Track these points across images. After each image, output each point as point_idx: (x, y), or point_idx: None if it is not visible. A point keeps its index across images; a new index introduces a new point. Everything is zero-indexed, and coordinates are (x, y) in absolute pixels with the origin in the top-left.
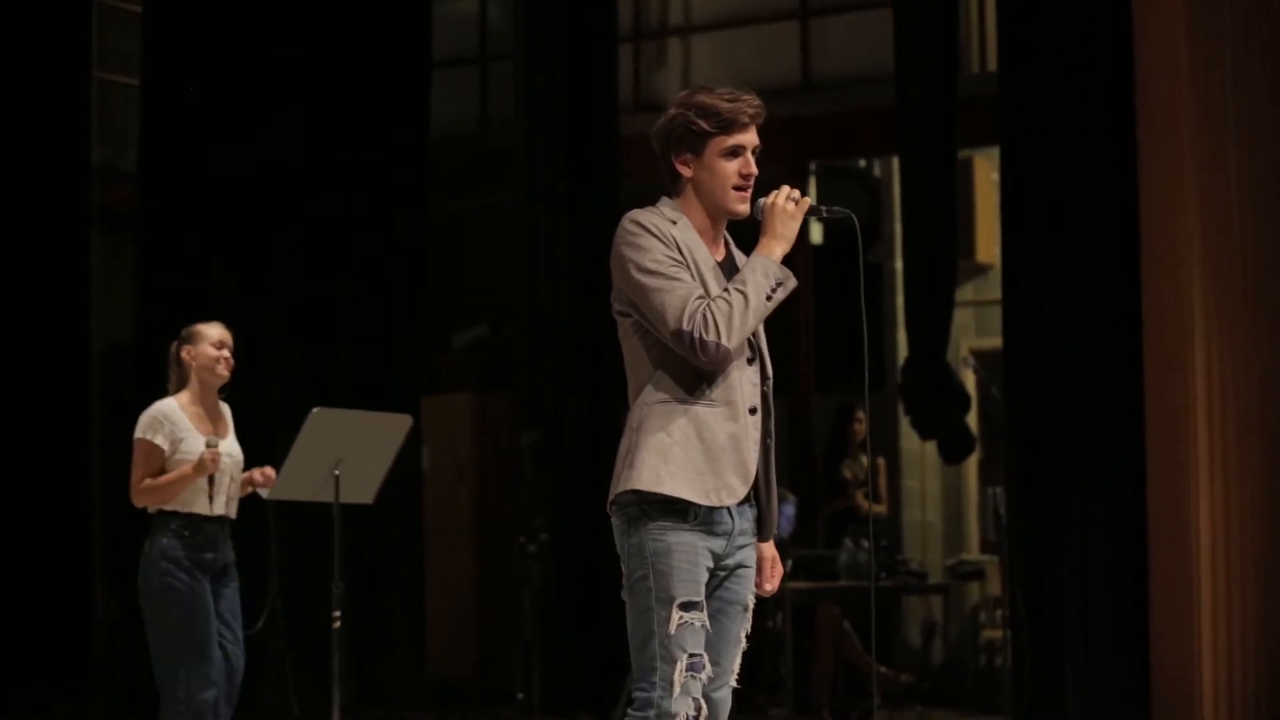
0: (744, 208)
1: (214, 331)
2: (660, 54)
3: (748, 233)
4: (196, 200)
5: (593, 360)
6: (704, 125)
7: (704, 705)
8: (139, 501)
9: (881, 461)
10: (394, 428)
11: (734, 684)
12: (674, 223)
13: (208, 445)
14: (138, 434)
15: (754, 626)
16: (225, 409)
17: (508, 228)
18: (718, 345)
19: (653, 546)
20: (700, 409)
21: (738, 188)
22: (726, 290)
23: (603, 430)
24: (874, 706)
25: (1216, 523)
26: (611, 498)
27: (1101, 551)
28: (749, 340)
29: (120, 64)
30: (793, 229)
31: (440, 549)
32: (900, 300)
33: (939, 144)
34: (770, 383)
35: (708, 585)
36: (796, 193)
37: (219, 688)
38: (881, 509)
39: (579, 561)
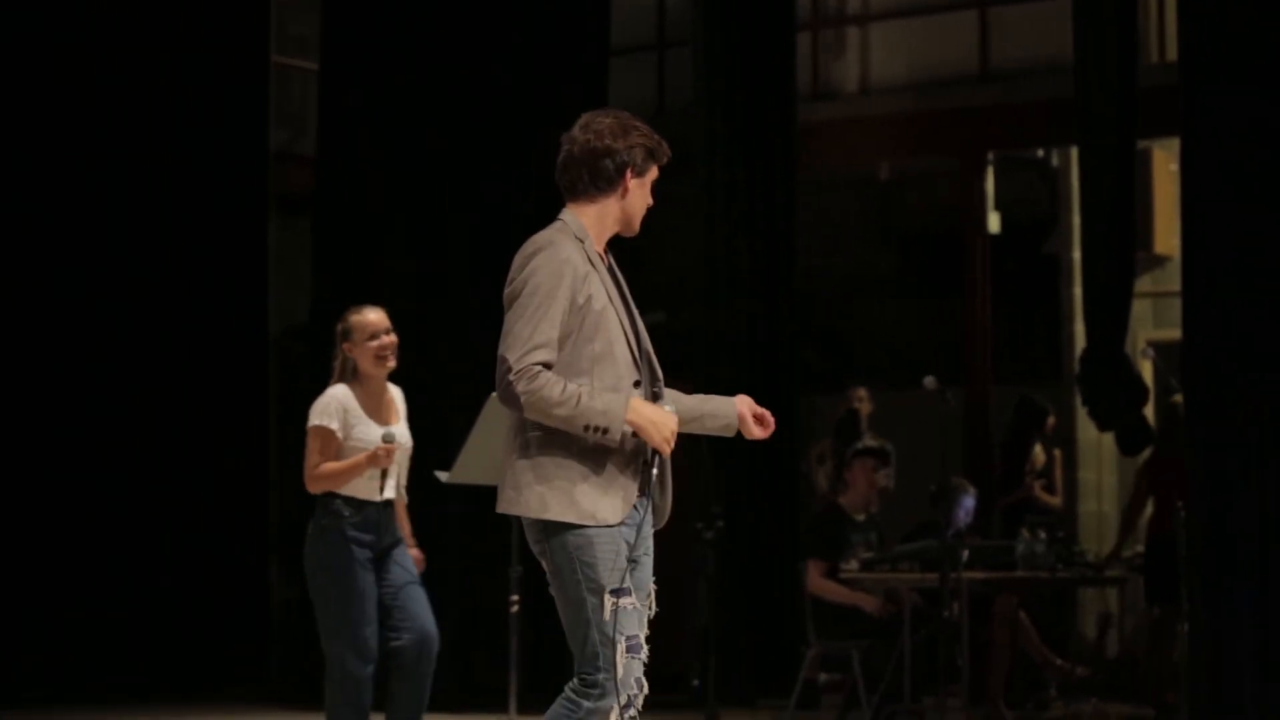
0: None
1: (367, 324)
2: (838, 43)
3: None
4: (373, 184)
5: (770, 347)
6: (657, 149)
7: (645, 685)
8: (313, 488)
9: (1058, 453)
10: None
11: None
12: (581, 241)
13: (384, 439)
14: (311, 421)
15: (930, 616)
16: (396, 393)
17: (685, 215)
18: (517, 402)
19: (575, 541)
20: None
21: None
22: (578, 387)
23: (781, 418)
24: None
25: None
26: (501, 510)
27: None
28: (636, 363)
29: (298, 49)
30: (651, 431)
31: None
32: (1078, 291)
33: (1118, 134)
34: (661, 384)
35: None
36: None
37: (373, 663)
38: (1058, 501)
39: (755, 548)
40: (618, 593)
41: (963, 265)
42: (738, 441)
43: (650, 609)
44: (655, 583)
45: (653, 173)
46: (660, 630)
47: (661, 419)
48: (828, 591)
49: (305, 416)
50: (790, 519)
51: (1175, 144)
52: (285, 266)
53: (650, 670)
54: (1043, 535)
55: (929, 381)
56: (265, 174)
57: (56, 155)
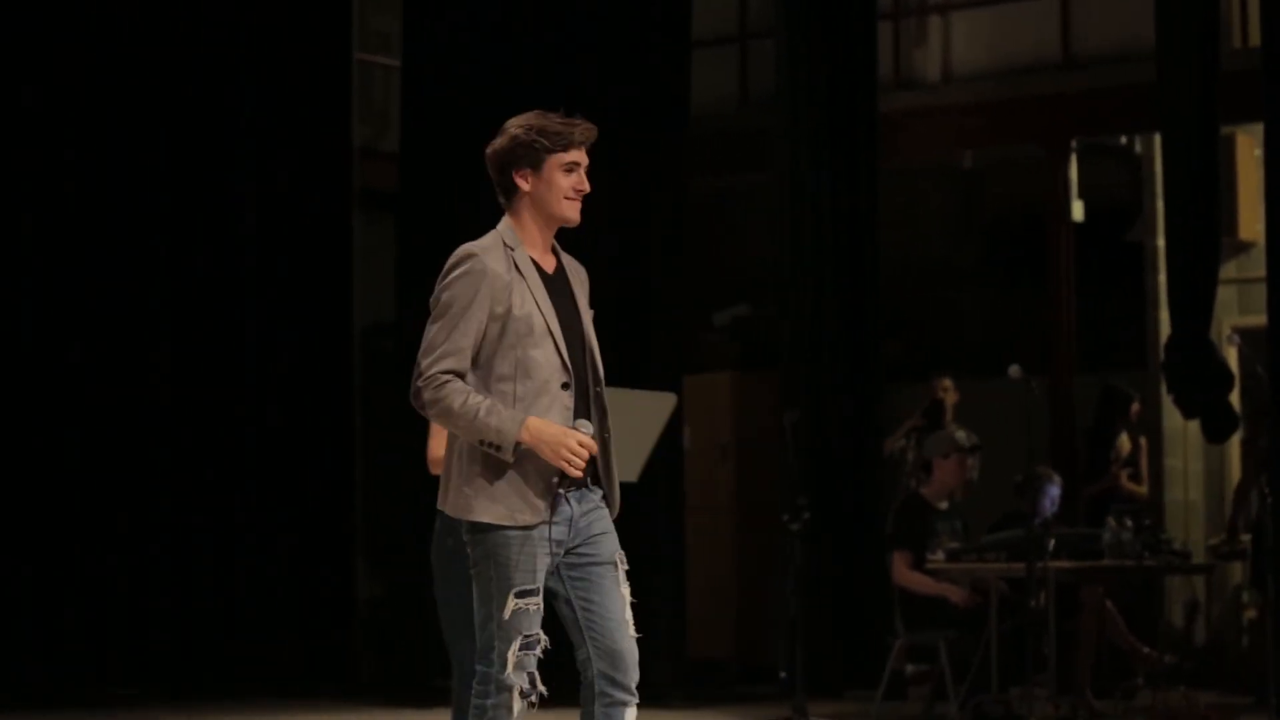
0: (575, 215)
1: None
2: (920, 32)
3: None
4: (456, 179)
5: (854, 337)
6: (544, 143)
7: (538, 678)
8: (433, 469)
9: (1144, 441)
10: (660, 406)
11: (634, 633)
12: (512, 249)
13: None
14: None
15: (1017, 606)
16: None
17: (767, 206)
18: (423, 407)
19: (493, 539)
20: None
21: (569, 198)
22: (479, 396)
23: (864, 409)
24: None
25: None
26: (439, 507)
27: None
28: (564, 364)
29: (381, 45)
30: (545, 450)
31: (701, 527)
32: (1162, 278)
33: (1201, 120)
34: (602, 383)
35: (569, 558)
36: (585, 455)
37: None
38: (1144, 489)
39: (841, 540)
40: (524, 594)
41: (1046, 253)
42: (823, 434)
43: (624, 580)
44: (730, 575)
45: (557, 159)
46: (748, 622)
47: (556, 439)
48: (914, 582)
49: (390, 413)
50: (876, 510)
51: (1259, 129)
52: (370, 263)
53: (739, 662)
54: (1129, 523)
55: (1013, 370)
56: (349, 170)
57: (143, 152)
